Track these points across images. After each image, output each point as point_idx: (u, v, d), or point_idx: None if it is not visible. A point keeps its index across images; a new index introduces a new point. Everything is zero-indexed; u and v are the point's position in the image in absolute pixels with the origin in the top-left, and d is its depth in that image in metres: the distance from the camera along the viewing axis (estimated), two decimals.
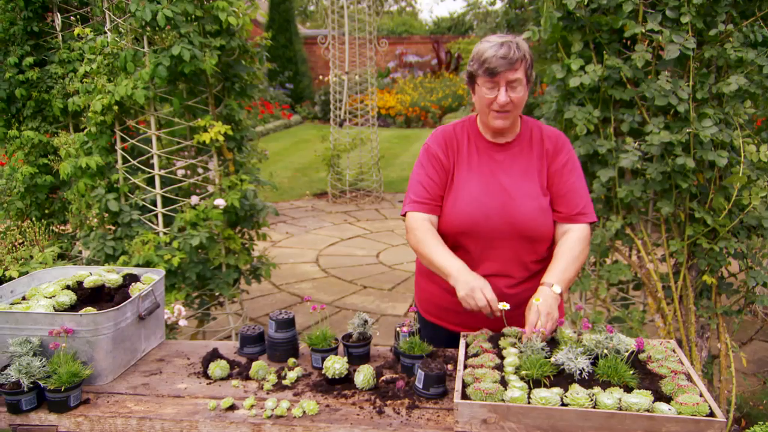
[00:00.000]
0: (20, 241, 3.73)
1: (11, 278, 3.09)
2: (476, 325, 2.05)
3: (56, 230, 4.42)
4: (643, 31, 2.66)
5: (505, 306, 1.85)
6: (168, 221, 3.47)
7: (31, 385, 1.65)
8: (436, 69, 20.28)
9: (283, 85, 19.03)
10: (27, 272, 3.10)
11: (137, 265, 3.07)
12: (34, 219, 4.17)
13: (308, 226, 7.57)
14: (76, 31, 3.35)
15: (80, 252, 4.37)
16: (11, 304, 1.97)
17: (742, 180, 2.64)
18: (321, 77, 19.78)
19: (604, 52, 2.77)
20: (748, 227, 2.87)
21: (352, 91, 8.74)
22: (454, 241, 2.06)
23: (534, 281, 2.06)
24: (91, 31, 3.34)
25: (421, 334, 2.00)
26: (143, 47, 3.19)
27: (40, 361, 1.69)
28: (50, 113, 4.21)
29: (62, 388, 1.65)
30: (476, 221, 2.00)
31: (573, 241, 2.01)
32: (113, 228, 3.43)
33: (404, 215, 2.11)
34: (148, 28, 3.08)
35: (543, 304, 1.84)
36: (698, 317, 2.94)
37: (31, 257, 3.21)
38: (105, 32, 3.47)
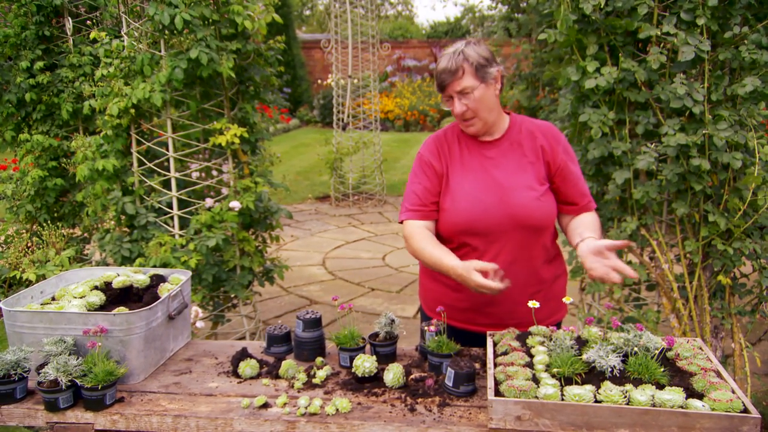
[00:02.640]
0: (34, 243, 3.74)
1: (28, 281, 3.09)
2: (482, 322, 2.10)
3: (65, 233, 4.42)
4: (658, 33, 2.69)
5: (535, 304, 1.88)
6: (182, 223, 3.47)
7: (69, 384, 1.67)
8: None
9: (281, 89, 19.04)
10: (44, 275, 3.11)
11: (154, 267, 3.08)
12: (47, 222, 4.17)
13: (313, 229, 7.58)
14: (92, 34, 3.36)
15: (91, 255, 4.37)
16: (42, 304, 1.98)
17: (757, 180, 2.68)
18: (319, 81, 19.80)
19: (619, 54, 2.80)
20: (761, 227, 2.90)
21: (354, 94, 8.77)
22: (458, 240, 2.08)
23: (544, 270, 2.10)
24: (106, 35, 3.35)
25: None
26: (159, 50, 3.20)
27: (77, 359, 1.70)
28: (60, 117, 4.22)
29: (99, 387, 1.66)
30: (476, 218, 2.03)
31: (594, 220, 2.09)
32: (128, 230, 3.43)
33: (402, 222, 2.15)
34: (166, 32, 3.10)
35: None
36: (712, 317, 2.96)
37: (48, 260, 3.21)
38: (119, 36, 3.48)
